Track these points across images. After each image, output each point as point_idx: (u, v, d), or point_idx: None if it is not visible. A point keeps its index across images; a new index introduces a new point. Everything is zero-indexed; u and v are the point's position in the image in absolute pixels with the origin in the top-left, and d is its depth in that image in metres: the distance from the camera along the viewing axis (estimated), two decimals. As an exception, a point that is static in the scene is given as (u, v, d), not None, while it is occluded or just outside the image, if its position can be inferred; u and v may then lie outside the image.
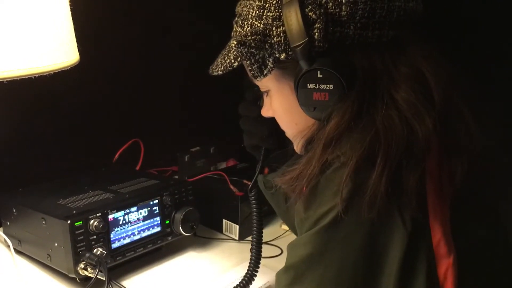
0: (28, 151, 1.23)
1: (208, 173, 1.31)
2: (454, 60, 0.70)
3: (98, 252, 0.94)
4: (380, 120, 0.64)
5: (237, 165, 1.45)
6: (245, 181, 1.24)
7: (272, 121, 0.81)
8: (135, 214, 1.03)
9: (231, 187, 1.21)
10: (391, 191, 0.61)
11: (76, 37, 0.84)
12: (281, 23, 0.66)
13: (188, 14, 1.49)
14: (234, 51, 0.73)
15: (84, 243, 0.93)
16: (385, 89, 0.66)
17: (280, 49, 0.67)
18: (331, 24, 0.65)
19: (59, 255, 0.95)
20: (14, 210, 1.04)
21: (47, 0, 0.73)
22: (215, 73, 0.77)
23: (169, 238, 1.09)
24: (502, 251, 0.74)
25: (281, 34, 0.66)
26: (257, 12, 0.68)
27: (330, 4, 0.65)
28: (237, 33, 0.71)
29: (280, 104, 0.76)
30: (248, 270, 0.94)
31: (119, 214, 1.00)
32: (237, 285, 0.93)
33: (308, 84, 0.67)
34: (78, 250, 0.93)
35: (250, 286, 0.94)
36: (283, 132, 0.80)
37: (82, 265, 0.93)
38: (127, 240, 1.01)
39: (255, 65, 0.70)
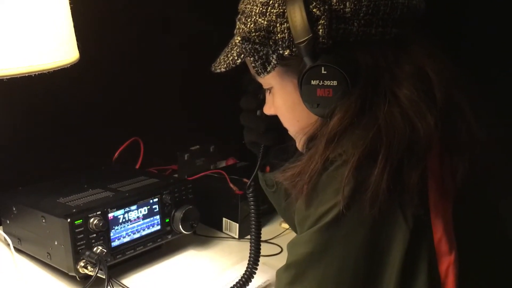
0: (28, 150, 1.23)
1: (208, 172, 1.31)
2: (455, 58, 0.71)
3: (98, 251, 0.94)
4: (383, 117, 0.64)
5: (237, 163, 1.45)
6: (245, 180, 1.24)
7: (270, 117, 0.81)
8: (135, 213, 1.03)
9: (231, 185, 1.21)
10: (393, 188, 0.61)
11: (76, 36, 0.84)
12: (285, 20, 0.66)
13: (188, 13, 1.49)
14: (237, 48, 0.73)
15: (84, 241, 0.93)
16: (388, 86, 0.66)
17: (284, 45, 0.67)
18: (335, 20, 0.65)
19: (59, 254, 0.95)
20: (14, 209, 1.04)
21: (47, -2, 0.73)
22: (218, 71, 0.77)
23: (169, 236, 1.09)
24: (503, 249, 0.74)
25: (285, 31, 0.66)
26: (261, 9, 0.68)
27: (335, 0, 0.65)
28: (240, 30, 0.71)
29: (283, 101, 0.76)
30: (247, 267, 0.94)
31: (119, 213, 1.00)
32: (237, 282, 0.93)
33: (312, 81, 0.67)
34: (78, 248, 0.93)
35: (250, 283, 0.94)
36: (282, 129, 0.80)
37: (82, 264, 0.93)
38: (127, 239, 1.01)
39: (259, 62, 0.70)
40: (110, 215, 0.98)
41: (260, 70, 0.71)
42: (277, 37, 0.67)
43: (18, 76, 0.68)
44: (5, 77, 0.69)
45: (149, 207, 1.05)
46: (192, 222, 1.10)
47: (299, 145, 0.77)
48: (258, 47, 0.69)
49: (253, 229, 0.94)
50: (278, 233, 1.21)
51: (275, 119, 0.80)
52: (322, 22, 0.64)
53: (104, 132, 1.35)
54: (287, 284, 0.67)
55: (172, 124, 1.51)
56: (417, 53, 0.69)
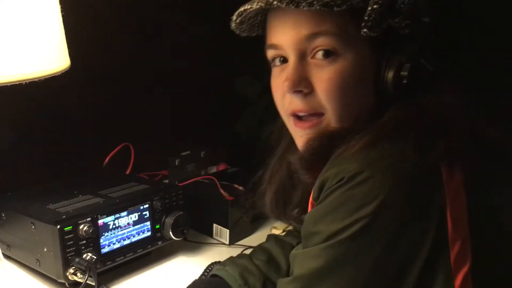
0: (17, 155, 1.22)
1: (198, 178, 1.31)
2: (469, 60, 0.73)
3: (88, 257, 0.94)
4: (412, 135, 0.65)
5: (227, 169, 1.45)
6: (235, 186, 1.24)
7: None
8: (125, 219, 1.02)
9: (222, 191, 1.21)
10: (412, 208, 0.61)
11: (67, 42, 0.84)
12: None
13: (180, 19, 1.49)
14: None
15: (74, 248, 0.93)
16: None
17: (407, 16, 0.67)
18: None
19: (48, 260, 0.94)
20: (3, 215, 1.03)
21: (38, 6, 0.73)
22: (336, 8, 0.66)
23: (159, 242, 1.09)
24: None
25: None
26: None
27: None
28: None
29: (351, 73, 0.70)
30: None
31: (109, 219, 0.99)
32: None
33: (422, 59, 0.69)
34: (68, 255, 0.92)
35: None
36: None
37: (71, 270, 0.92)
38: (117, 245, 1.01)
39: (379, 15, 0.66)
40: (100, 221, 0.98)
41: (370, 25, 0.66)
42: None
43: (9, 84, 0.68)
44: (-5, 85, 0.69)
45: (139, 213, 1.05)
46: (183, 228, 1.10)
47: (314, 137, 0.73)
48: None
49: None
50: (269, 239, 1.21)
51: None
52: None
53: (94, 138, 1.34)
54: None
55: (163, 129, 1.51)
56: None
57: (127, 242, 1.03)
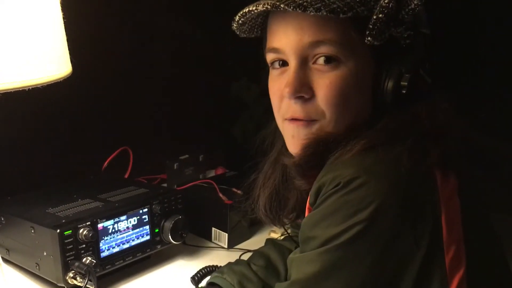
0: (17, 160, 1.22)
1: (197, 182, 1.31)
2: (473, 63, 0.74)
3: (87, 261, 0.94)
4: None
5: (226, 173, 1.46)
6: (234, 190, 1.25)
7: None
8: (125, 223, 1.03)
9: (220, 195, 1.22)
10: (407, 215, 0.62)
11: (68, 48, 0.84)
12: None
13: (177, 23, 1.50)
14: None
15: (73, 252, 0.93)
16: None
17: (411, 26, 0.68)
18: None
19: (48, 264, 0.94)
20: (2, 219, 1.03)
21: (40, 13, 0.74)
22: (311, 10, 0.65)
23: (158, 246, 1.09)
24: (502, 259, 0.75)
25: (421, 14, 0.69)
26: None
27: None
28: None
29: (355, 80, 0.70)
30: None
31: (108, 223, 1.00)
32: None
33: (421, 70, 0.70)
34: (67, 259, 0.92)
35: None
36: None
37: (71, 274, 0.93)
38: (116, 249, 1.01)
39: (382, 24, 0.66)
40: (100, 225, 0.98)
41: (374, 33, 0.66)
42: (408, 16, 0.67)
43: (12, 91, 0.69)
44: (-1, 92, 0.70)
45: (138, 217, 1.05)
46: (182, 232, 1.10)
47: (309, 141, 0.72)
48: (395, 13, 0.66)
49: None
50: (267, 242, 1.22)
51: None
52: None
53: (93, 142, 1.35)
54: None
55: (161, 133, 1.52)
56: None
57: (126, 246, 1.03)
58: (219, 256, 1.18)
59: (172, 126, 1.55)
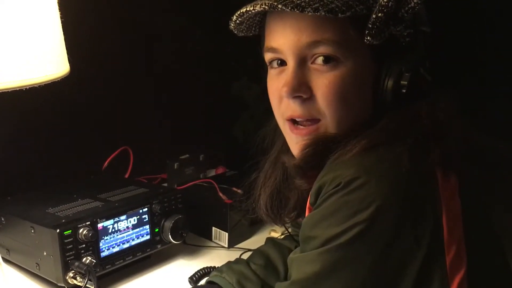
0: (17, 160, 1.22)
1: (197, 181, 1.31)
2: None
3: (87, 261, 0.94)
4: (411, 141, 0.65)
5: (226, 172, 1.46)
6: (234, 189, 1.25)
7: None
8: (125, 223, 1.03)
9: (220, 194, 1.22)
10: (408, 215, 0.62)
11: (66, 47, 0.84)
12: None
13: (176, 23, 1.50)
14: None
15: (73, 252, 0.93)
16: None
17: (410, 24, 0.68)
18: None
19: (48, 264, 0.94)
20: (2, 219, 1.03)
21: (38, 12, 0.74)
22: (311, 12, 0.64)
23: (159, 246, 1.09)
24: (502, 259, 0.75)
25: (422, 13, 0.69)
26: None
27: None
28: None
29: (353, 80, 0.69)
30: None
31: (108, 223, 1.00)
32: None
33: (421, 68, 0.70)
34: (67, 259, 0.92)
35: None
36: None
37: (71, 274, 0.93)
38: (116, 249, 1.01)
39: (381, 23, 0.65)
40: (100, 225, 0.98)
41: (374, 33, 0.66)
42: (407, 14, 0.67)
43: (9, 90, 0.69)
44: (-4, 91, 0.70)
45: (138, 217, 1.05)
46: (182, 232, 1.10)
47: (308, 143, 0.72)
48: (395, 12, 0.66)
49: None
50: (267, 242, 1.22)
51: None
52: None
53: (93, 142, 1.35)
54: None
55: (162, 133, 1.52)
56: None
57: (126, 245, 1.03)
58: (219, 255, 1.18)
59: (172, 125, 1.55)
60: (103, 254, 0.99)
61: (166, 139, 1.52)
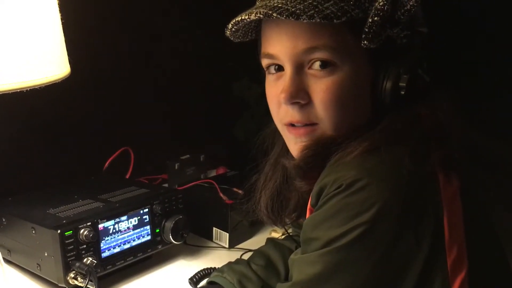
0: (18, 160, 1.23)
1: (198, 181, 1.31)
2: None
3: (88, 262, 0.95)
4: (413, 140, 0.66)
5: (227, 172, 1.46)
6: (235, 189, 1.25)
7: None
8: (125, 223, 1.03)
9: (221, 195, 1.22)
10: (409, 216, 0.62)
11: (67, 48, 0.84)
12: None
13: (176, 24, 1.50)
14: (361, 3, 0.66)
15: (74, 252, 0.94)
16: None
17: (407, 25, 0.67)
18: None
19: (49, 265, 0.95)
20: (3, 220, 1.04)
21: (38, 14, 0.74)
22: (303, 18, 0.64)
23: (159, 246, 1.09)
24: (503, 260, 0.75)
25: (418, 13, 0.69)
26: None
27: None
28: None
29: (352, 84, 0.69)
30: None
31: (109, 223, 1.00)
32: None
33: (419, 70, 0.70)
34: (68, 259, 0.93)
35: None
36: None
37: (72, 275, 0.93)
38: (117, 249, 1.02)
39: (377, 27, 0.65)
40: (100, 226, 0.98)
41: (370, 36, 0.65)
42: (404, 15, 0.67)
43: (10, 92, 0.69)
44: (-4, 93, 0.70)
45: (139, 217, 1.05)
46: (182, 232, 1.10)
47: (308, 146, 0.72)
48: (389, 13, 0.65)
49: None
50: (268, 242, 1.22)
51: None
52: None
53: (94, 142, 1.35)
54: None
55: (162, 133, 1.52)
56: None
57: (127, 246, 1.03)
58: (220, 256, 1.18)
59: (173, 126, 1.55)
60: (104, 255, 0.99)
61: (166, 140, 1.52)
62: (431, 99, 0.70)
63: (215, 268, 1.03)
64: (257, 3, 0.72)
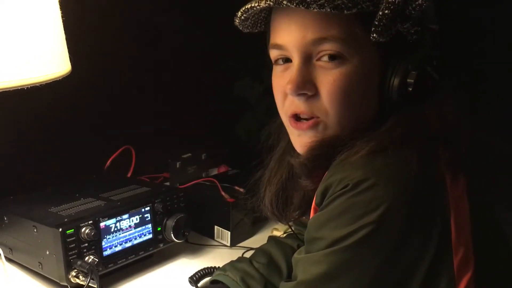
0: (19, 159, 1.23)
1: (199, 180, 1.31)
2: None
3: (90, 260, 0.95)
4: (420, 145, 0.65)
5: (228, 171, 1.46)
6: (236, 188, 1.25)
7: None
8: (127, 222, 1.03)
9: (223, 193, 1.22)
10: (417, 216, 0.61)
11: (67, 46, 0.84)
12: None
13: (178, 22, 1.50)
14: None
15: (76, 251, 0.94)
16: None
17: (418, 22, 0.66)
18: None
19: (51, 263, 0.95)
20: (5, 218, 1.04)
21: (39, 11, 0.74)
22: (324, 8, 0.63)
23: (161, 245, 1.09)
24: (510, 260, 0.75)
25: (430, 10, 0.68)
26: None
27: None
28: None
29: (359, 78, 0.69)
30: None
31: (110, 222, 1.00)
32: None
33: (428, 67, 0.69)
34: (70, 258, 0.93)
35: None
36: None
37: (73, 273, 0.93)
38: (118, 248, 1.02)
39: (389, 20, 0.64)
40: (102, 224, 0.98)
41: (380, 30, 0.64)
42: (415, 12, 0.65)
43: (10, 89, 0.69)
44: (-4, 90, 0.70)
45: (140, 215, 1.05)
46: (184, 230, 1.10)
47: (313, 142, 0.72)
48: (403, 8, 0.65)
49: None
50: (270, 240, 1.22)
51: None
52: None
53: (95, 141, 1.35)
54: None
55: (164, 132, 1.52)
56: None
57: (128, 244, 1.03)
58: (221, 254, 1.18)
59: (174, 124, 1.55)
60: (105, 253, 0.99)
61: (168, 138, 1.52)
62: (439, 98, 0.69)
63: (214, 267, 1.03)
64: None
